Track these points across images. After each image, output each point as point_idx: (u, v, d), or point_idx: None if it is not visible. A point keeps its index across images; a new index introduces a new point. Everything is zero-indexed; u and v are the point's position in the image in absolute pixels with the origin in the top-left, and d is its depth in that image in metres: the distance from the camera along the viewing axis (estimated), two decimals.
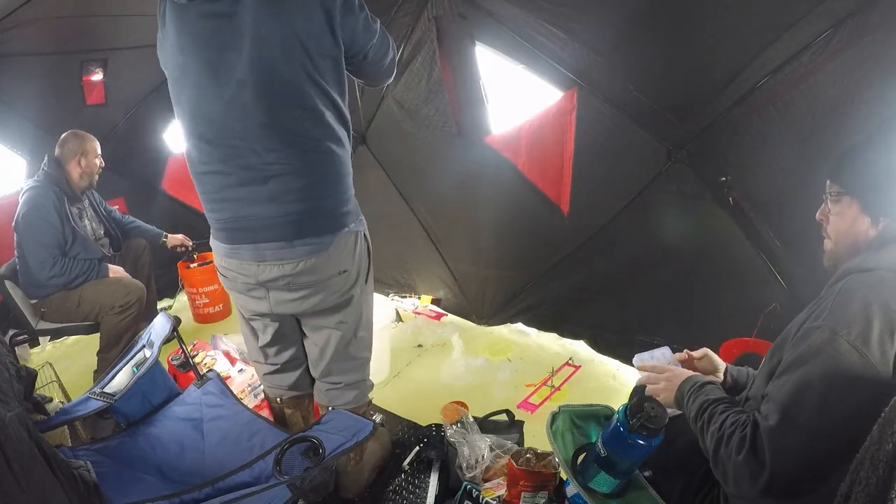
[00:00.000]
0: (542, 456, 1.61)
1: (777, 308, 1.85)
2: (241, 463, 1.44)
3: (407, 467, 1.93)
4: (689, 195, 2.02)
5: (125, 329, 2.46)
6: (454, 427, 1.85)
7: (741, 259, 2.01)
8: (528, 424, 2.06)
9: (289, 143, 1.34)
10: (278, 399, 1.80)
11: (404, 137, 2.69)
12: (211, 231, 1.53)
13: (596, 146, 2.15)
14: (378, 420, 2.18)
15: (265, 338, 1.66)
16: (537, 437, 1.94)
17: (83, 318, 2.45)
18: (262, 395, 2.02)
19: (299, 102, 1.33)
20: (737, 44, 1.71)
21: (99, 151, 2.57)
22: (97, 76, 2.88)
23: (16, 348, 2.40)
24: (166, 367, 2.09)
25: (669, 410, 1.16)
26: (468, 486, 1.66)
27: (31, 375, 1.62)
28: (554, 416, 1.43)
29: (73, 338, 2.98)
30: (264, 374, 1.77)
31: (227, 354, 2.42)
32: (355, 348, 1.66)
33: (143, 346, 1.82)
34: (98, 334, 2.49)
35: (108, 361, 2.39)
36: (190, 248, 3.08)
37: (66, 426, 1.66)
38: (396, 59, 1.63)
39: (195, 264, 3.20)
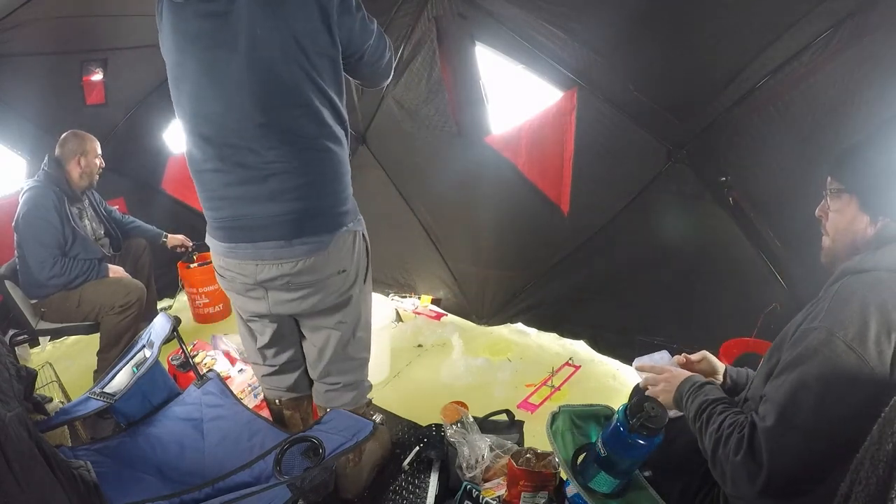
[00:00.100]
0: (542, 456, 1.61)
1: (777, 308, 1.85)
2: (241, 463, 1.45)
3: (407, 467, 1.93)
4: (689, 195, 2.02)
5: (125, 329, 2.46)
6: (454, 427, 1.85)
7: (741, 259, 2.01)
8: (528, 424, 2.06)
9: (287, 141, 1.34)
10: (277, 401, 1.80)
11: (404, 137, 2.69)
12: (208, 229, 1.53)
13: (596, 146, 2.15)
14: (378, 420, 2.18)
15: (263, 339, 1.65)
16: (537, 437, 1.95)
17: (83, 318, 2.45)
18: (262, 396, 2.02)
19: (297, 101, 1.33)
20: (737, 44, 1.71)
21: (99, 151, 2.57)
22: (97, 76, 2.89)
23: (16, 348, 2.40)
24: (166, 367, 2.09)
25: (670, 412, 1.16)
26: (468, 486, 1.66)
27: (31, 375, 1.62)
28: (554, 416, 1.43)
29: (73, 338, 2.98)
30: (263, 376, 1.77)
31: (227, 354, 2.43)
32: (354, 349, 1.66)
33: (143, 346, 1.82)
34: (98, 334, 2.49)
35: (108, 361, 2.39)
36: (190, 249, 3.08)
37: (66, 426, 1.66)
38: (394, 60, 1.62)
39: (195, 264, 3.20)
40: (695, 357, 1.37)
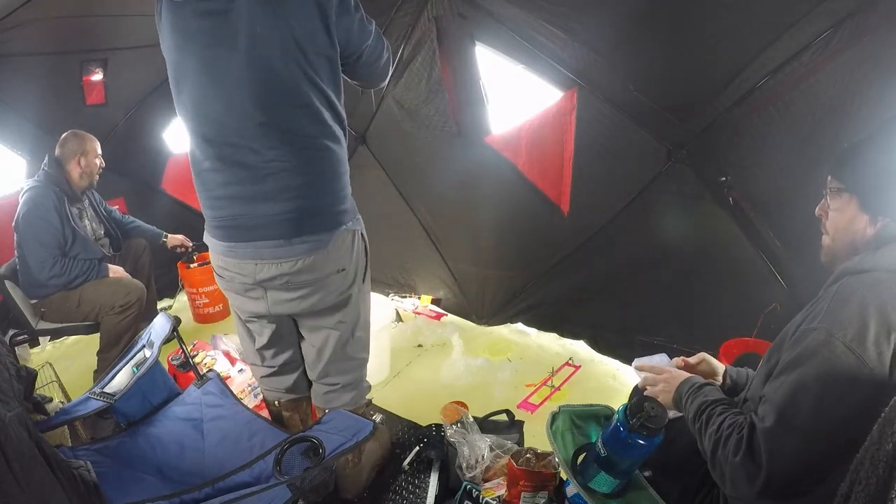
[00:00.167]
0: (542, 456, 1.61)
1: (777, 308, 1.85)
2: (241, 463, 1.45)
3: (407, 467, 1.93)
4: (689, 195, 2.02)
5: (125, 329, 2.46)
6: (454, 427, 1.85)
7: (741, 259, 2.01)
8: (528, 424, 2.06)
9: (286, 141, 1.35)
10: (276, 402, 1.80)
11: (404, 137, 2.69)
12: (206, 229, 1.52)
13: (596, 146, 2.15)
14: (378, 420, 2.19)
15: (262, 340, 1.65)
16: (537, 437, 1.95)
17: (83, 318, 2.45)
18: (262, 396, 2.02)
19: (296, 101, 1.33)
20: (737, 44, 1.71)
21: (99, 151, 2.57)
22: (97, 76, 2.89)
23: (16, 348, 2.40)
24: (166, 367, 2.09)
25: (670, 413, 1.16)
26: (468, 486, 1.66)
27: (31, 375, 1.62)
28: (554, 416, 1.43)
29: (73, 338, 2.98)
30: (261, 377, 1.77)
31: (227, 354, 2.43)
32: (353, 349, 1.66)
33: (143, 346, 1.82)
34: (98, 334, 2.49)
35: (108, 361, 2.39)
36: (190, 249, 3.08)
37: (66, 426, 1.66)
38: (392, 62, 1.63)
39: (195, 264, 3.20)
40: (693, 360, 1.37)
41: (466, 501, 1.63)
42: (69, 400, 1.97)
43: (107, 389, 1.70)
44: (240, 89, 1.30)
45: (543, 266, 2.60)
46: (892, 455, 0.60)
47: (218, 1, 1.27)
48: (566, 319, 2.66)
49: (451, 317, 3.11)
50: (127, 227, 2.89)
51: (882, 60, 1.51)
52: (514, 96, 2.50)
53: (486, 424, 1.99)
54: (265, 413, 1.84)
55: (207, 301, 3.24)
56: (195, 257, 3.19)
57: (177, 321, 1.88)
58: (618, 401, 1.45)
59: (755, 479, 0.90)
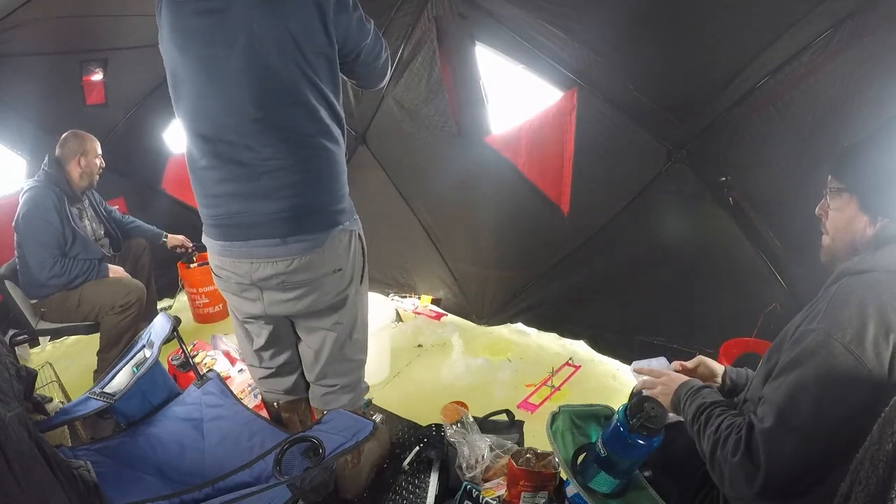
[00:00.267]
0: (542, 456, 1.61)
1: (777, 308, 1.85)
2: (241, 463, 1.45)
3: (407, 467, 1.93)
4: (689, 195, 2.02)
5: (125, 329, 2.46)
6: (454, 427, 1.85)
7: (741, 259, 2.01)
8: (528, 424, 2.06)
9: (283, 139, 1.35)
10: (275, 403, 1.79)
11: (404, 137, 2.69)
12: (204, 228, 1.52)
13: (596, 146, 2.15)
14: (378, 420, 2.19)
15: (260, 341, 1.65)
16: (537, 437, 1.95)
17: (83, 318, 2.45)
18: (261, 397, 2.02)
19: (294, 99, 1.33)
20: (737, 44, 1.71)
21: (99, 151, 2.57)
22: (97, 76, 2.89)
23: (16, 348, 2.40)
24: (166, 367, 2.10)
25: (669, 416, 1.16)
26: (468, 486, 1.66)
27: (31, 375, 1.62)
28: (554, 416, 1.43)
29: (73, 338, 2.98)
30: (259, 379, 1.76)
31: (227, 354, 2.43)
32: (350, 350, 1.66)
33: (143, 346, 1.82)
34: (98, 334, 2.49)
35: (108, 361, 2.39)
36: (190, 250, 3.08)
37: (66, 426, 1.66)
38: (390, 63, 1.63)
39: (195, 264, 3.20)
40: (690, 364, 1.37)
41: (466, 501, 1.63)
42: (69, 400, 1.97)
43: (107, 389, 1.70)
44: (237, 87, 1.30)
45: (543, 266, 2.60)
46: (892, 455, 0.60)
47: (217, 0, 1.27)
48: (566, 319, 2.66)
49: (451, 317, 3.11)
50: (127, 227, 2.89)
51: (882, 60, 1.51)
52: (514, 96, 2.50)
53: (486, 424, 1.99)
54: (265, 413, 1.84)
55: (207, 301, 3.24)
56: (195, 257, 3.19)
57: (177, 321, 1.88)
58: (618, 401, 1.45)
59: (754, 480, 0.90)
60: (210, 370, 1.92)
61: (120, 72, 2.92)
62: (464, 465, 1.73)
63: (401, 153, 2.82)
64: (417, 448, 1.96)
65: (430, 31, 2.35)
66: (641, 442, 1.13)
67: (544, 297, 2.67)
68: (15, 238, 2.36)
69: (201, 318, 3.30)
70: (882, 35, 1.48)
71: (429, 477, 1.86)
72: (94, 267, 2.45)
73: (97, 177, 2.60)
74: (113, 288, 2.46)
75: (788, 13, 1.59)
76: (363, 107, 2.76)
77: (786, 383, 0.93)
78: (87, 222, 2.62)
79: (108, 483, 1.35)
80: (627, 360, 2.45)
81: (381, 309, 2.51)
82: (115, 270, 2.57)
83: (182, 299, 3.39)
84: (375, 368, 2.47)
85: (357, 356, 1.70)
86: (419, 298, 3.23)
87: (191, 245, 3.05)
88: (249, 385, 2.23)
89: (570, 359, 2.63)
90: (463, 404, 2.05)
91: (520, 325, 2.89)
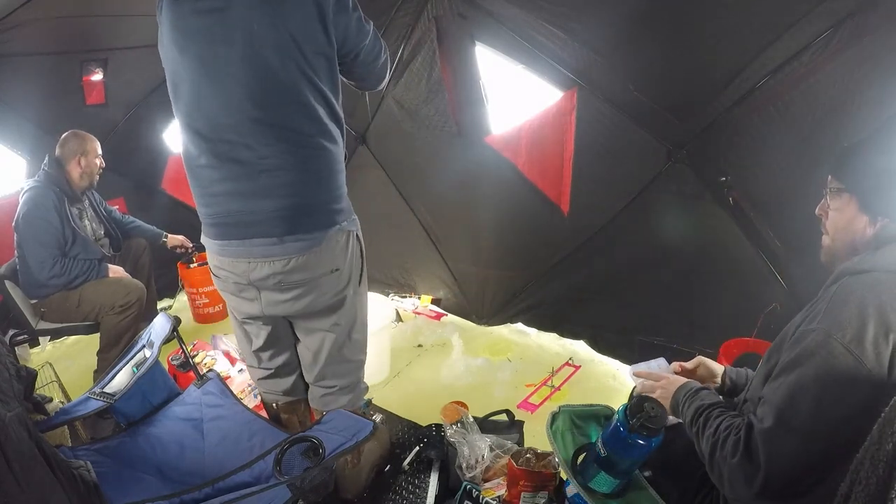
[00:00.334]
0: (542, 456, 1.61)
1: (777, 308, 1.85)
2: (241, 463, 1.45)
3: (407, 467, 1.93)
4: (689, 195, 2.02)
5: (125, 329, 2.46)
6: (454, 427, 1.85)
7: (741, 259, 2.01)
8: (528, 424, 2.06)
9: (281, 138, 1.35)
10: (274, 404, 1.79)
11: (404, 137, 2.69)
12: (202, 228, 1.52)
13: (596, 146, 2.14)
14: (378, 420, 2.19)
15: (258, 342, 1.65)
16: (537, 437, 1.94)
17: (83, 318, 2.45)
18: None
19: (293, 98, 1.34)
20: (737, 44, 1.71)
21: (99, 151, 2.57)
22: (97, 76, 2.89)
23: (16, 348, 2.40)
24: (166, 367, 2.10)
25: (669, 419, 1.16)
26: (468, 486, 1.66)
27: (31, 375, 1.62)
28: (554, 416, 1.43)
29: (73, 338, 2.98)
30: (259, 379, 1.76)
31: (227, 354, 2.43)
32: (349, 351, 1.65)
33: (143, 346, 1.82)
34: (98, 334, 2.49)
35: (108, 361, 2.39)
36: (189, 250, 3.08)
37: (66, 426, 1.66)
38: (389, 64, 1.63)
39: (195, 264, 3.20)
40: (690, 365, 1.36)
41: (466, 501, 1.63)
42: (69, 400, 1.97)
43: (107, 389, 1.70)
44: (237, 86, 1.30)
45: (543, 266, 2.60)
46: (892, 455, 0.60)
47: None
48: (566, 319, 2.66)
49: (451, 317, 3.11)
50: (127, 227, 2.89)
51: (882, 60, 1.51)
52: (514, 96, 2.50)
53: (486, 424, 1.99)
54: (265, 413, 1.84)
55: (207, 301, 3.24)
56: (195, 258, 3.19)
57: (177, 321, 1.88)
58: (618, 401, 1.45)
59: (753, 480, 0.90)
60: (210, 370, 1.92)
61: (120, 72, 2.92)
62: (464, 465, 1.73)
63: (401, 153, 2.82)
64: (417, 448, 1.96)
65: (430, 31, 2.35)
66: (641, 442, 1.13)
67: (544, 297, 2.67)
68: (15, 238, 2.36)
69: (201, 318, 3.30)
70: (882, 35, 1.48)
71: (429, 477, 1.86)
72: (94, 267, 2.45)
73: (97, 177, 2.60)
74: (113, 288, 2.46)
75: (788, 13, 1.59)
76: (363, 107, 2.76)
77: (785, 383, 0.93)
78: (87, 222, 2.62)
79: (108, 483, 1.35)
80: (627, 360, 2.45)
81: (381, 309, 2.51)
82: (115, 270, 2.57)
83: (182, 299, 3.39)
84: (375, 368, 2.47)
85: (356, 357, 1.70)
86: (419, 298, 3.23)
87: (191, 245, 3.05)
88: (249, 385, 2.23)
89: (570, 359, 2.63)
90: (463, 404, 2.05)
91: (520, 325, 2.89)
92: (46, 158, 2.46)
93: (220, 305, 3.27)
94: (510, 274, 2.73)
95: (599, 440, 1.20)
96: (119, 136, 3.13)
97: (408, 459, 1.94)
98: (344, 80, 1.52)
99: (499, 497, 1.60)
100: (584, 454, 1.30)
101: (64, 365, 2.69)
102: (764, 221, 1.92)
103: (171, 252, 3.06)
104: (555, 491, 1.58)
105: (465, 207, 2.70)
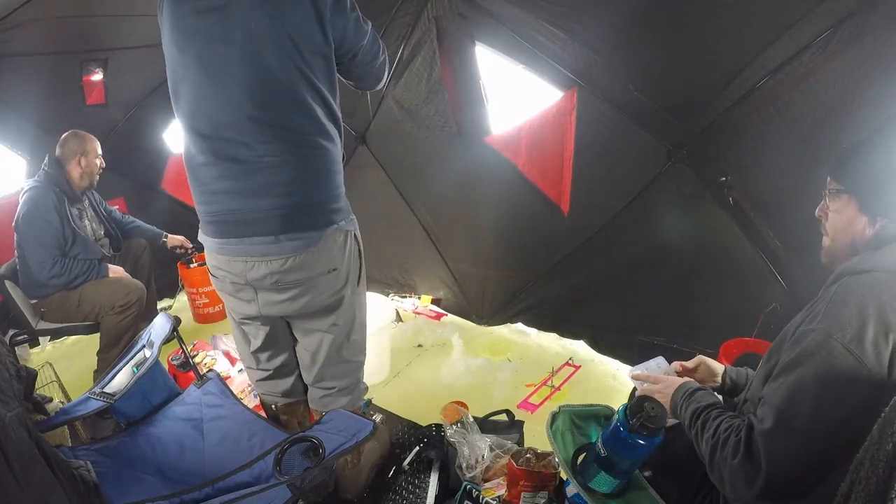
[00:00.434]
0: (542, 456, 1.61)
1: (777, 308, 1.85)
2: (241, 463, 1.45)
3: (407, 467, 1.93)
4: (689, 195, 2.02)
5: (125, 329, 2.46)
6: (454, 427, 1.85)
7: (741, 259, 2.01)
8: (528, 424, 2.06)
9: (279, 137, 1.35)
10: (273, 405, 1.79)
11: (404, 137, 2.69)
12: (200, 226, 1.52)
13: (596, 146, 2.14)
14: (378, 420, 2.19)
15: (256, 342, 1.65)
16: (537, 437, 1.94)
17: (83, 318, 2.45)
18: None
19: (291, 97, 1.34)
20: (737, 44, 1.71)
21: (99, 151, 2.58)
22: (97, 76, 2.89)
23: (16, 348, 2.40)
24: (166, 367, 2.10)
25: (668, 421, 1.16)
26: (468, 486, 1.66)
27: (31, 375, 1.62)
28: (554, 416, 1.43)
29: (73, 338, 2.98)
30: (257, 381, 1.76)
31: (227, 354, 2.43)
32: (348, 352, 1.65)
33: (143, 346, 1.82)
34: (98, 334, 2.49)
35: (108, 361, 2.39)
36: (189, 251, 3.08)
37: (66, 426, 1.66)
38: (388, 64, 1.63)
39: (195, 264, 3.20)
40: (690, 364, 1.36)
41: (466, 501, 1.63)
42: (69, 400, 1.97)
43: (107, 389, 1.70)
44: (235, 85, 1.31)
45: (543, 266, 2.60)
46: (892, 455, 0.60)
47: None
48: (566, 319, 2.66)
49: (451, 317, 3.11)
50: (127, 227, 2.89)
51: (882, 60, 1.50)
52: (514, 96, 2.50)
53: (486, 424, 1.99)
54: (264, 413, 1.84)
55: (207, 301, 3.24)
56: (194, 258, 3.19)
57: (177, 321, 1.88)
58: (618, 401, 1.45)
59: (754, 481, 0.90)
60: (210, 370, 1.92)
61: (120, 72, 2.92)
62: (464, 465, 1.73)
63: (401, 153, 2.82)
64: (417, 448, 1.96)
65: (430, 31, 2.35)
66: (641, 442, 1.13)
67: (544, 297, 2.67)
68: (15, 238, 2.36)
69: (201, 318, 3.30)
70: (882, 35, 1.48)
71: (429, 477, 1.86)
72: (94, 267, 2.45)
73: (97, 177, 2.60)
74: (113, 288, 2.46)
75: (788, 13, 1.59)
76: (363, 107, 2.76)
77: (786, 384, 0.93)
78: (87, 222, 2.62)
79: (108, 483, 1.35)
80: (627, 360, 2.45)
81: (381, 309, 2.51)
82: (115, 270, 2.57)
83: (182, 299, 3.39)
84: (375, 368, 2.47)
85: (355, 358, 1.70)
86: (419, 298, 3.23)
87: (190, 245, 3.05)
88: (249, 385, 2.22)
89: (570, 359, 2.63)
90: (463, 404, 2.05)
91: (520, 325, 2.89)
92: (46, 158, 2.46)
93: (220, 305, 3.27)
94: (510, 274, 2.73)
95: (599, 440, 1.20)
96: (119, 136, 3.13)
97: (408, 459, 1.94)
98: (342, 80, 1.52)
99: (499, 497, 1.60)
100: (584, 454, 1.30)
101: (64, 365, 2.69)
102: (764, 221, 1.92)
103: (171, 252, 3.06)
104: (555, 491, 1.58)
105: (465, 207, 2.70)
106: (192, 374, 1.92)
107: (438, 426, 2.00)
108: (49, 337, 2.84)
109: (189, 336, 2.75)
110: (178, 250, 3.05)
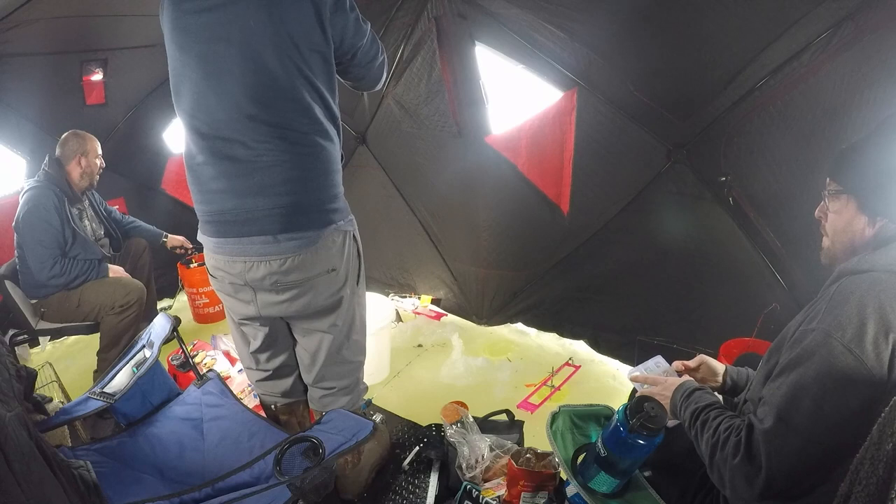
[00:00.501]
0: (542, 456, 1.61)
1: (777, 308, 1.85)
2: (241, 463, 1.45)
3: (407, 467, 1.93)
4: (689, 195, 2.02)
5: (125, 329, 2.46)
6: (454, 427, 1.85)
7: (741, 259, 2.01)
8: (528, 424, 2.06)
9: (277, 136, 1.35)
10: (273, 406, 1.79)
11: (404, 137, 2.69)
12: (199, 226, 1.52)
13: (596, 146, 2.15)
14: (378, 420, 2.18)
15: (256, 343, 1.64)
16: (537, 437, 1.95)
17: (83, 318, 2.45)
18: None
19: (289, 96, 1.34)
20: (736, 44, 1.71)
21: (100, 151, 2.57)
22: (97, 76, 2.88)
23: (16, 348, 2.40)
24: (166, 367, 2.10)
25: (668, 422, 1.16)
26: (468, 486, 1.66)
27: (31, 375, 1.62)
28: (554, 416, 1.43)
29: (73, 338, 2.98)
30: (257, 381, 1.75)
31: (227, 354, 2.43)
32: (348, 352, 1.65)
33: (143, 346, 1.82)
34: (98, 334, 2.49)
35: (108, 361, 2.39)
36: (189, 251, 3.08)
37: (66, 426, 1.66)
38: (387, 67, 1.63)
39: (195, 265, 3.20)
40: (692, 364, 1.36)
41: (466, 501, 1.63)
42: (69, 400, 1.97)
43: (107, 389, 1.70)
44: (234, 83, 1.31)
45: (543, 266, 2.60)
46: (892, 455, 0.60)
47: None
48: (566, 319, 2.66)
49: (451, 317, 3.11)
50: (127, 227, 2.89)
51: (882, 60, 1.50)
52: (514, 96, 2.49)
53: (486, 424, 1.99)
54: (264, 413, 1.84)
55: (207, 301, 3.24)
56: (194, 258, 3.19)
57: (177, 321, 1.88)
58: (618, 401, 1.45)
59: (755, 481, 0.90)
60: (210, 370, 1.92)
61: (120, 72, 2.92)
62: (464, 465, 1.73)
63: (401, 153, 2.82)
64: (417, 448, 1.96)
65: (430, 31, 2.35)
66: (641, 442, 1.13)
67: (544, 297, 2.67)
68: (15, 238, 2.36)
69: (201, 318, 3.30)
70: (882, 35, 1.48)
71: (429, 477, 1.86)
72: (94, 267, 2.45)
73: (97, 177, 2.60)
74: (113, 288, 2.46)
75: (788, 13, 1.59)
76: (363, 107, 2.76)
77: (786, 383, 0.93)
78: (87, 222, 2.62)
79: (108, 483, 1.35)
80: (627, 361, 2.45)
81: (381, 309, 2.51)
82: (115, 270, 2.57)
83: (182, 299, 3.39)
84: (375, 368, 2.47)
85: (355, 358, 1.70)
86: (419, 298, 3.23)
87: (190, 246, 3.04)
88: (249, 385, 2.22)
89: (570, 359, 2.63)
90: (463, 404, 2.05)
91: (520, 325, 2.89)
92: (46, 158, 2.46)
93: (220, 305, 3.26)
94: (510, 274, 2.73)
95: (599, 440, 1.20)
96: (119, 136, 3.13)
97: (408, 459, 1.94)
98: (341, 80, 1.52)
99: (499, 497, 1.60)
100: (584, 454, 1.30)
101: (64, 365, 2.69)
102: (764, 221, 1.92)
103: (171, 252, 3.06)
104: (555, 491, 1.58)
105: (465, 207, 2.70)
106: (192, 374, 1.92)
107: (438, 426, 2.01)
108: (49, 337, 2.84)
109: (189, 336, 2.76)
110: (177, 250, 3.05)
